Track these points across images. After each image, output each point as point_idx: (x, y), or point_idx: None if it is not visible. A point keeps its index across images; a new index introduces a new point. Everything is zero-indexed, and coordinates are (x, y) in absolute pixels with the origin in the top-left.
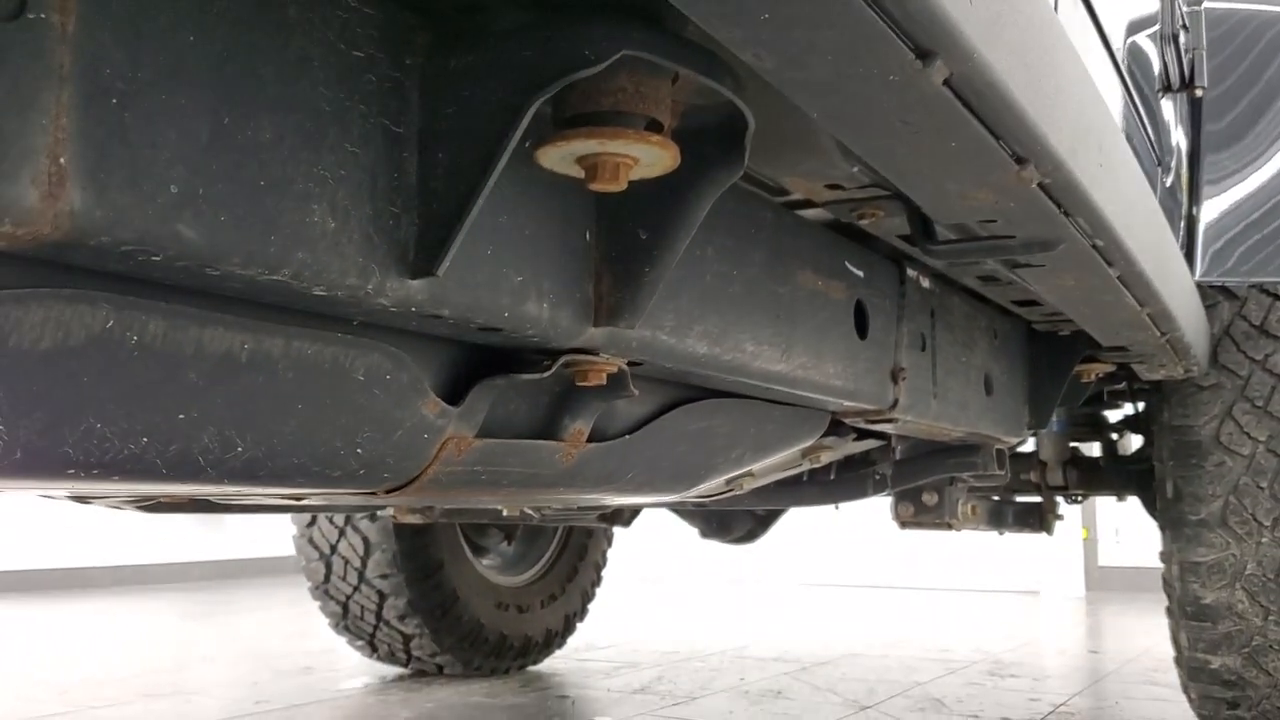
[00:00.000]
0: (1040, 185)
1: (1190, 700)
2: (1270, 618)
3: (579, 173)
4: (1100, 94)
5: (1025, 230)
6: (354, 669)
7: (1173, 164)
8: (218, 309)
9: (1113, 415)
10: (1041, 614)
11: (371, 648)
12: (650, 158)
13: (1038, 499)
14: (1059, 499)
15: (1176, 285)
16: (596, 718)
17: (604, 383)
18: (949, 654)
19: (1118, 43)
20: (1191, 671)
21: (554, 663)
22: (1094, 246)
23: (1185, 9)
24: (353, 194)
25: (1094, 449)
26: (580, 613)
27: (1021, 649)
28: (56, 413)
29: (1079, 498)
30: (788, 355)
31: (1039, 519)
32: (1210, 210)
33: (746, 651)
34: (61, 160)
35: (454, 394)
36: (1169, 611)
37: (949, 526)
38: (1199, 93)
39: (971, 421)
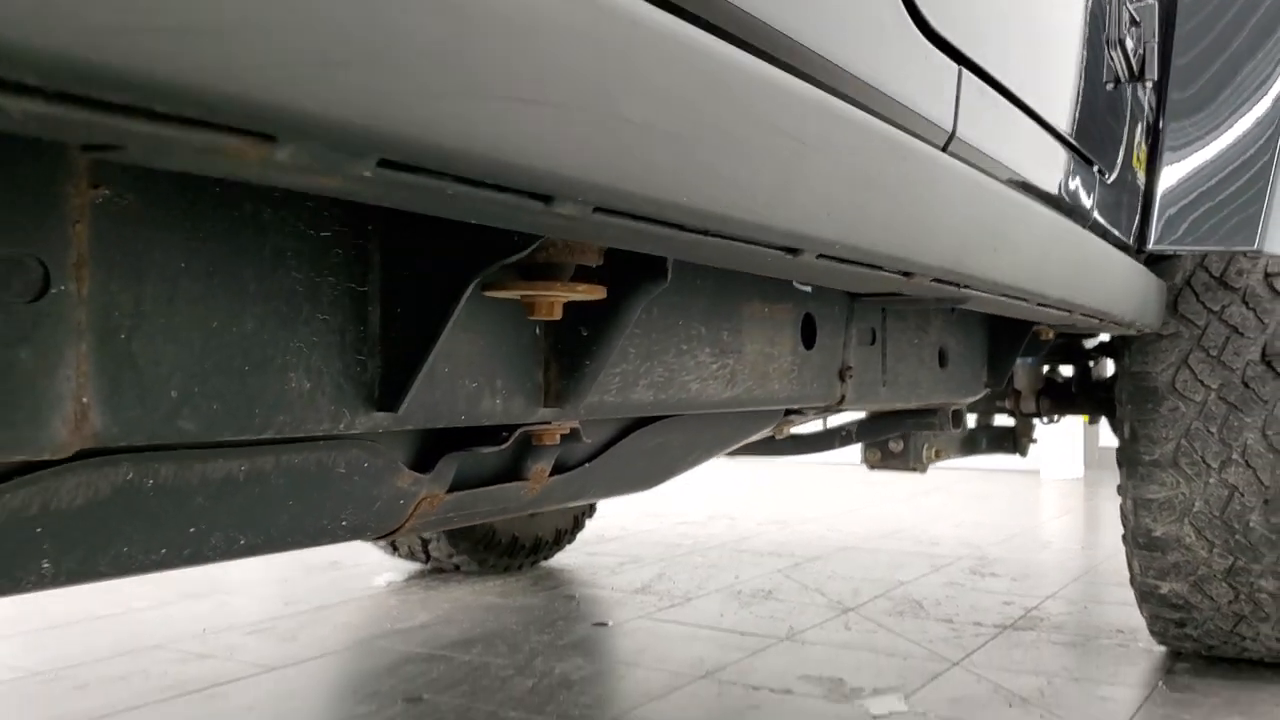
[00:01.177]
0: (933, 280)
1: (1144, 617)
2: (1214, 551)
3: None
4: (998, 190)
5: (933, 295)
6: (377, 565)
7: (1134, 136)
8: (217, 448)
9: (1089, 341)
10: (1038, 497)
11: (393, 547)
12: (581, 294)
13: (1012, 423)
14: (1035, 422)
15: (1111, 282)
16: (597, 621)
17: (558, 440)
18: (937, 549)
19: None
20: (1143, 594)
21: (565, 558)
22: (1003, 295)
23: (1133, 5)
24: (324, 355)
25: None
26: (589, 511)
27: (1008, 542)
28: (91, 548)
29: (1053, 419)
30: (733, 383)
31: (1013, 442)
32: (1168, 179)
33: (744, 545)
34: (84, 400)
35: (425, 463)
36: (1124, 539)
37: (916, 469)
38: (1149, 84)
39: (924, 396)
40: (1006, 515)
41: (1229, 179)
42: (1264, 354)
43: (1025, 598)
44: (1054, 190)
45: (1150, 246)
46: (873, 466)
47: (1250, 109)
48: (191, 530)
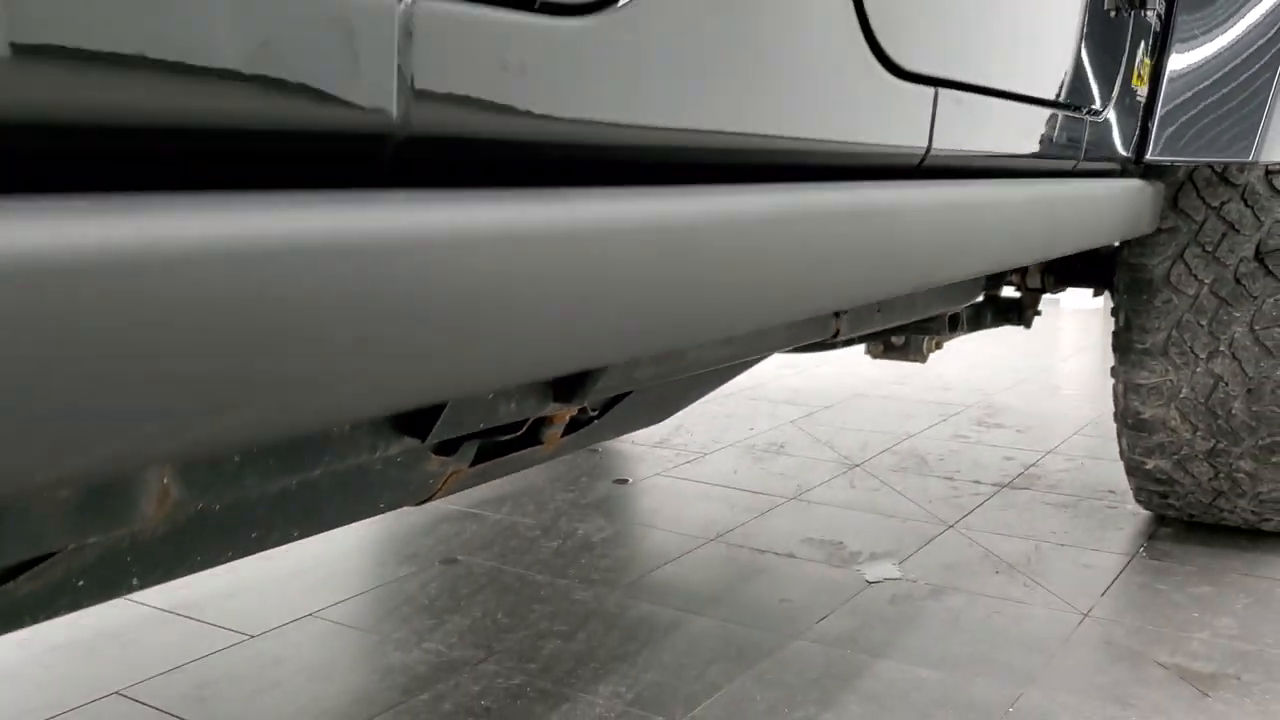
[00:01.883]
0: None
1: (1130, 487)
2: (1197, 434)
3: None
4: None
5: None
6: None
7: (1136, 57)
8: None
9: None
10: (1056, 330)
11: None
12: None
13: (1018, 295)
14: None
15: (1095, 217)
16: (617, 479)
17: (567, 419)
18: (948, 395)
19: None
20: (1130, 468)
21: None
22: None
23: None
24: None
25: None
26: None
27: (1018, 388)
28: (170, 563)
29: (1058, 292)
30: (730, 341)
31: (1019, 315)
32: (1171, 91)
33: (760, 392)
34: (165, 481)
35: (450, 448)
36: (1115, 417)
37: (917, 360)
38: (1150, 14)
39: (921, 311)
40: (1021, 354)
41: (1230, 92)
42: (1258, 251)
43: (1026, 452)
44: (1036, 152)
45: (1148, 158)
46: (875, 357)
47: (1255, 24)
48: (254, 535)
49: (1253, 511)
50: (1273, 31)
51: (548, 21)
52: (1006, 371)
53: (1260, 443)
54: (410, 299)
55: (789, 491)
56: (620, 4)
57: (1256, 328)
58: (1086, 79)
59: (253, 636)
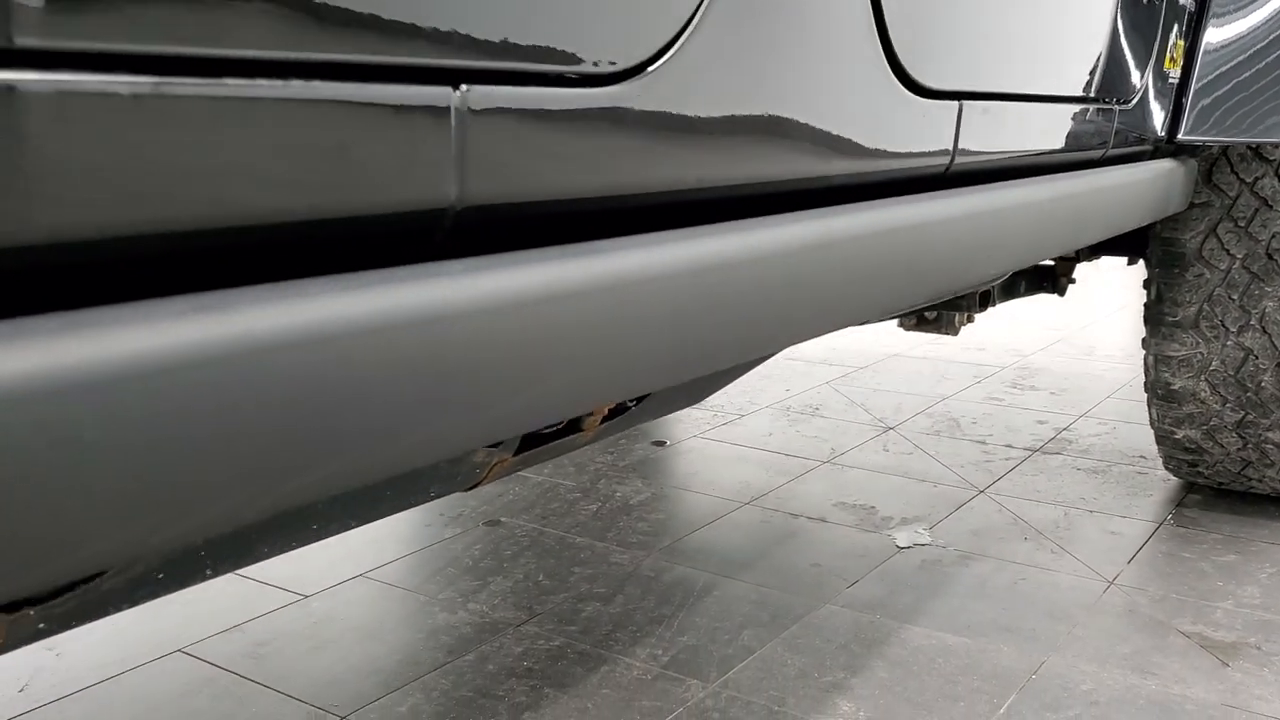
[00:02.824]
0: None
1: (1160, 455)
2: (1226, 405)
3: None
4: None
5: None
6: None
7: (1169, 40)
8: None
9: None
10: (1095, 284)
11: None
12: None
13: (1051, 263)
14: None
15: (1123, 205)
16: (655, 440)
17: (606, 413)
18: (982, 356)
19: None
20: (1160, 437)
21: None
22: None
23: None
24: None
25: None
26: None
27: (1054, 348)
28: (239, 555)
29: (1093, 259)
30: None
31: (1053, 283)
32: (1204, 70)
33: (798, 352)
34: None
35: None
36: (1145, 388)
37: (949, 333)
38: None
39: (952, 290)
40: (1058, 312)
41: (1265, 70)
42: None
43: (1059, 416)
44: (1063, 147)
45: (1180, 138)
46: (908, 329)
47: None
48: (314, 527)
49: (1277, 482)
50: None
51: (583, 92)
52: (1042, 330)
53: None
54: (471, 358)
55: (823, 455)
56: (648, 71)
57: None
58: (1116, 70)
59: (306, 596)
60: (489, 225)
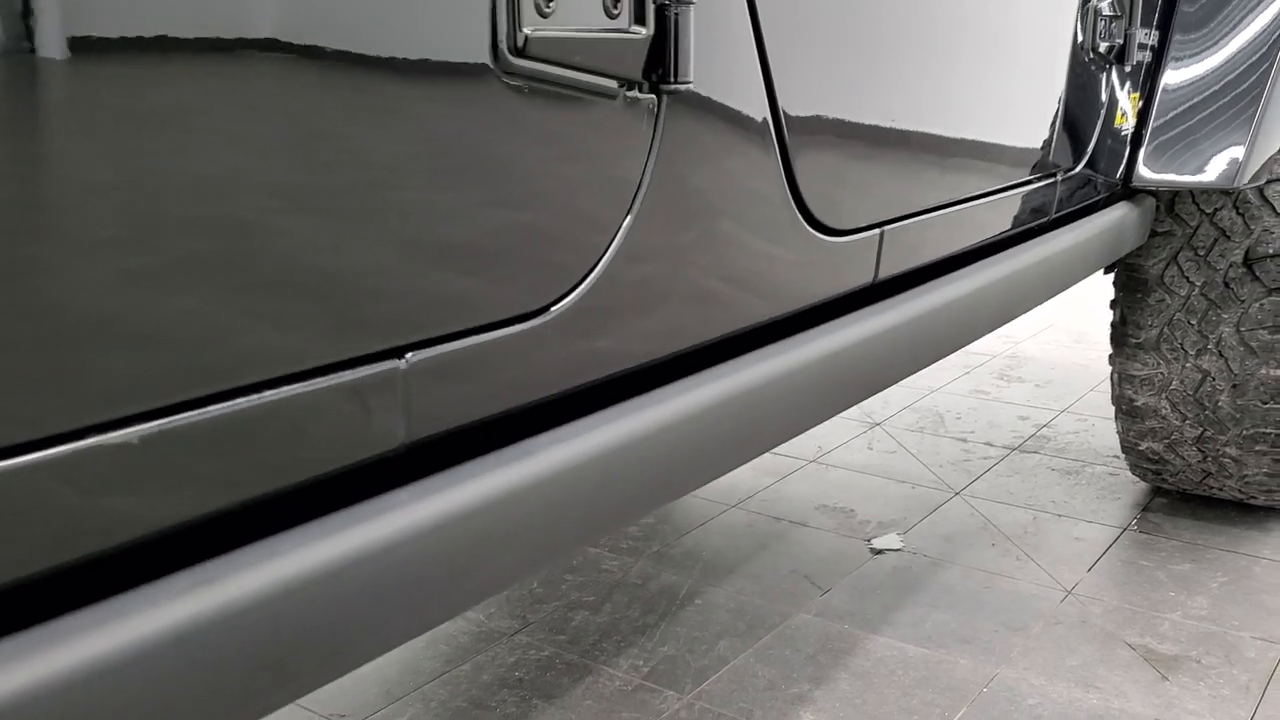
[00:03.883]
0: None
1: (1127, 463)
2: (1186, 422)
3: None
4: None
5: None
6: None
7: (1118, 101)
8: None
9: None
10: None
11: None
12: None
13: None
14: None
15: (1071, 264)
16: None
17: None
18: (973, 346)
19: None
20: (1125, 447)
21: None
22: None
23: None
24: None
25: None
26: None
27: (1044, 334)
28: None
29: None
30: None
31: None
32: (1160, 121)
33: None
34: None
35: None
36: (1111, 400)
37: None
38: (1139, 54)
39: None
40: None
41: (1217, 120)
42: (1247, 257)
43: (1041, 411)
44: (1002, 230)
45: (1134, 184)
46: None
47: (1245, 57)
48: None
49: (1240, 490)
50: (1259, 59)
51: (506, 332)
52: (1033, 317)
53: (1244, 433)
54: (426, 560)
55: (809, 453)
56: (557, 307)
57: (1243, 329)
58: (1062, 145)
59: None
60: (432, 448)
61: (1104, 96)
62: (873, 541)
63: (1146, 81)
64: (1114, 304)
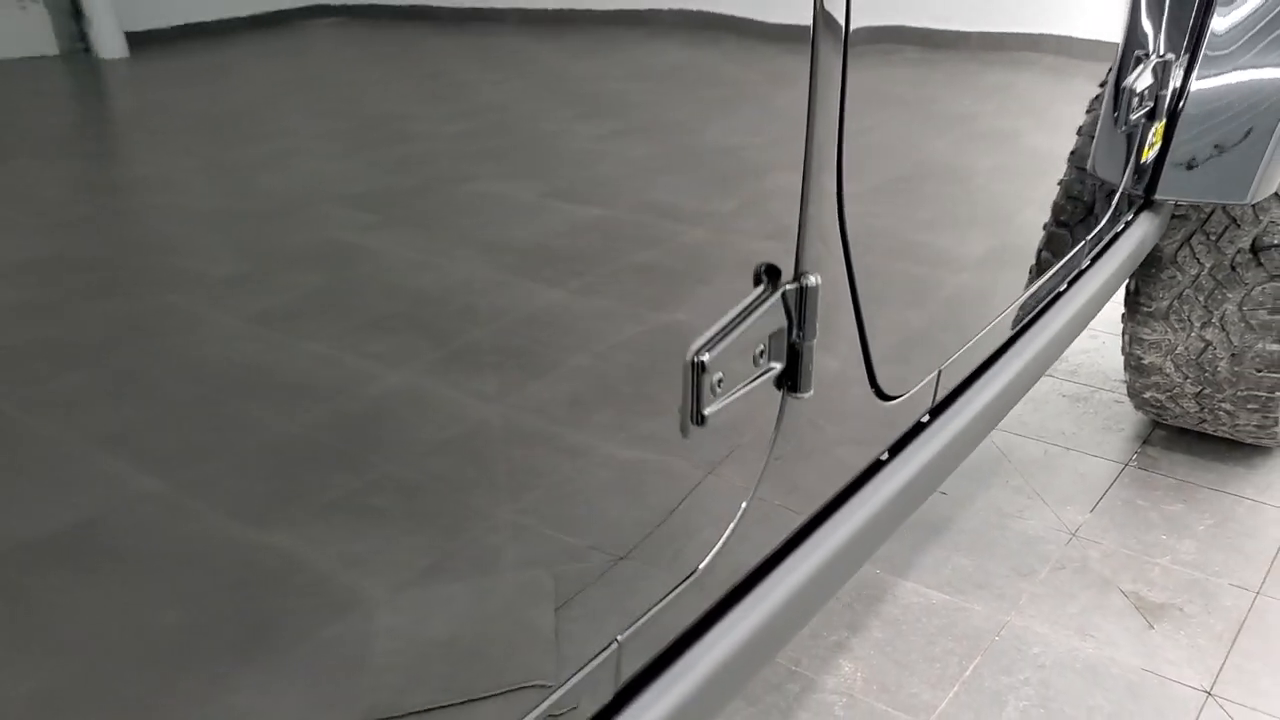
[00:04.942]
0: None
1: (1133, 404)
2: (1187, 380)
3: None
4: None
5: None
6: None
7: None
8: None
9: None
10: None
11: None
12: None
13: None
14: None
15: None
16: None
17: None
18: None
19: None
20: (1131, 393)
21: None
22: None
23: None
24: None
25: None
26: None
27: None
28: None
29: None
30: None
31: None
32: (1181, 142)
33: None
34: None
35: None
36: (1121, 351)
37: None
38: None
39: None
40: None
41: (1233, 142)
42: (1253, 245)
43: None
44: (1053, 293)
45: (1156, 197)
46: None
47: (1261, 86)
48: None
49: (1230, 432)
50: (1275, 91)
51: (677, 591)
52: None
53: (1239, 394)
54: None
55: None
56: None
57: (1244, 309)
58: (1092, 219)
59: None
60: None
61: (1135, 143)
62: None
63: (1171, 105)
64: (1130, 275)
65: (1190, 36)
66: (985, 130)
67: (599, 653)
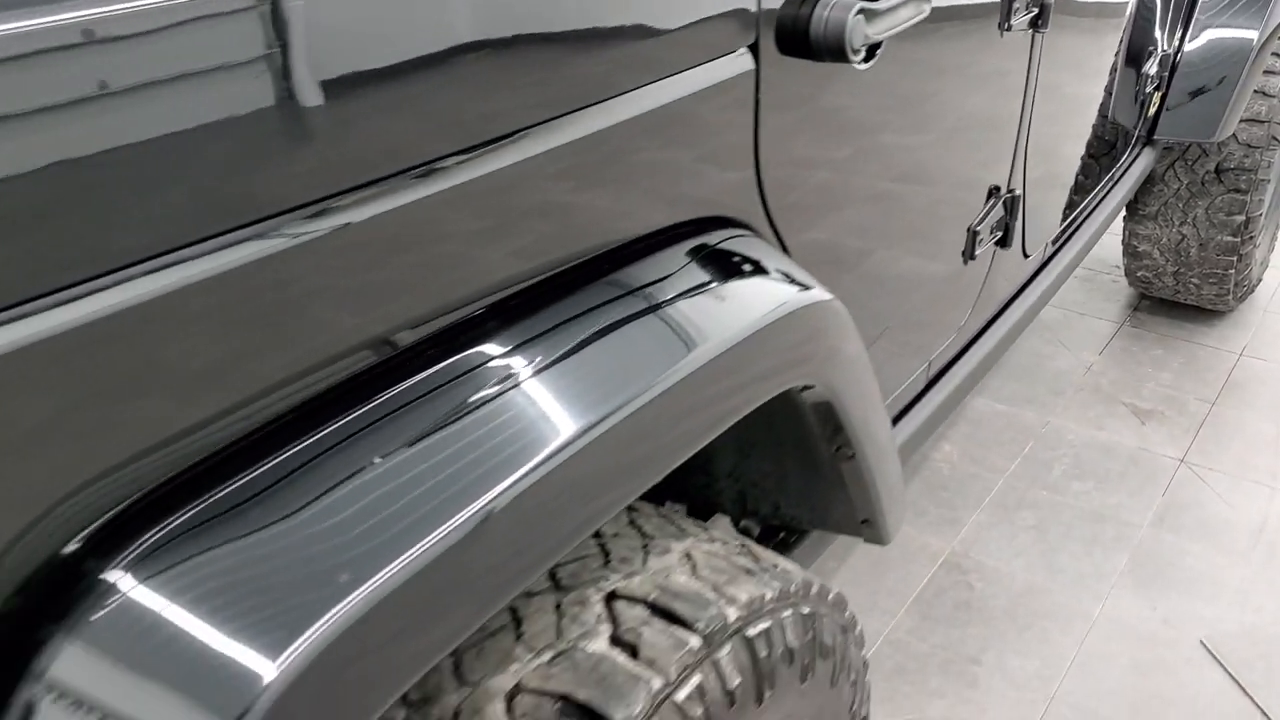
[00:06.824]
0: None
1: (1128, 280)
2: (1168, 263)
3: None
4: None
5: None
6: None
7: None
8: None
9: None
10: None
11: None
12: None
13: None
14: None
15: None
16: None
17: None
18: None
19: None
20: (1127, 271)
21: None
22: None
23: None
24: None
25: None
26: None
27: None
28: None
29: None
30: None
31: None
32: (1174, 93)
33: None
34: None
35: None
36: (1121, 242)
37: None
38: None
39: None
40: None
41: (1210, 94)
42: (1217, 167)
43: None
44: (1097, 201)
45: (1156, 137)
46: None
47: (1230, 53)
48: None
49: (1197, 300)
50: (1238, 54)
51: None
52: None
53: (1204, 272)
54: None
55: None
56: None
57: (1209, 212)
58: (1110, 154)
59: None
60: None
61: (1142, 96)
62: None
63: (1170, 66)
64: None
65: (1185, 10)
66: (1071, 95)
67: (919, 368)
